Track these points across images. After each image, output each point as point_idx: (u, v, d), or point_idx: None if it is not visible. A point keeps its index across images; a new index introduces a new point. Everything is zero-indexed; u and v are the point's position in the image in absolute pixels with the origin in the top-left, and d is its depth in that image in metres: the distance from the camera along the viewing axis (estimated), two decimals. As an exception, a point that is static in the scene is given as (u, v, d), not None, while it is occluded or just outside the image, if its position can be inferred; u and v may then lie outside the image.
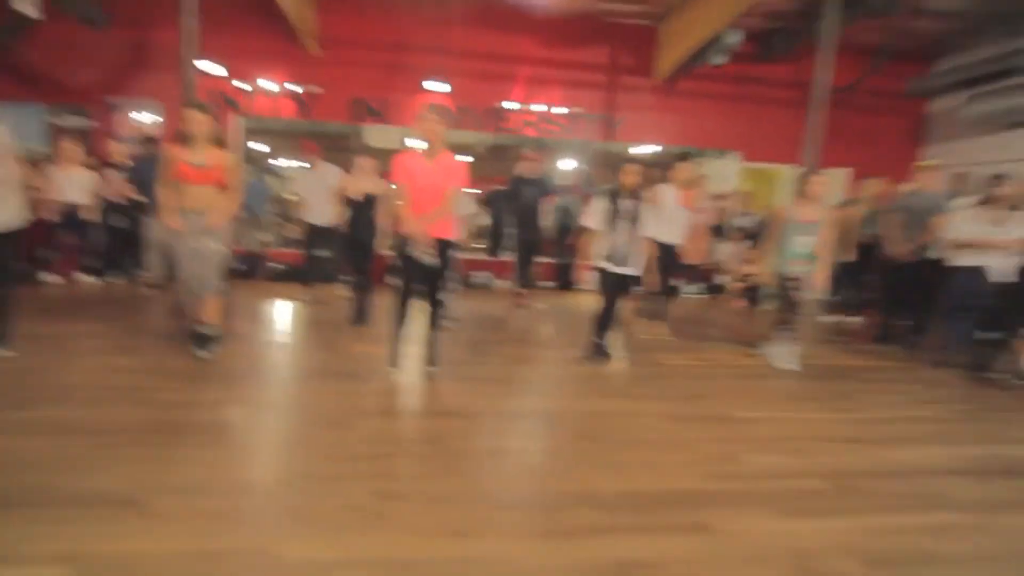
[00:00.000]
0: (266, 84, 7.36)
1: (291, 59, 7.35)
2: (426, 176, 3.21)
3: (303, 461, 2.30)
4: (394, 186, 3.28)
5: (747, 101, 8.56)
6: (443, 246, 3.30)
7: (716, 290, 8.29)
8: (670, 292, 5.80)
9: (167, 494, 1.94)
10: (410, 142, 4.73)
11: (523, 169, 6.01)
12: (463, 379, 3.46)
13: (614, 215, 3.82)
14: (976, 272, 4.31)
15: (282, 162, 9.98)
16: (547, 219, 6.34)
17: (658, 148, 8.52)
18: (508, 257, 6.37)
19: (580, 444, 2.61)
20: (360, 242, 4.73)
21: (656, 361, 4.24)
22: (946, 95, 8.74)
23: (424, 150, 3.25)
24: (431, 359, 3.42)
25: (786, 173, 8.66)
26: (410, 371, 3.38)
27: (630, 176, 3.82)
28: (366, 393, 3.12)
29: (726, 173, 8.90)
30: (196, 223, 3.38)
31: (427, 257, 3.21)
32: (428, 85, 7.42)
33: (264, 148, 9.58)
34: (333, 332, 4.51)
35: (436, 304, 3.41)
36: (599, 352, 4.04)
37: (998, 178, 4.33)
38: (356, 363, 3.66)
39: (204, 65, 6.72)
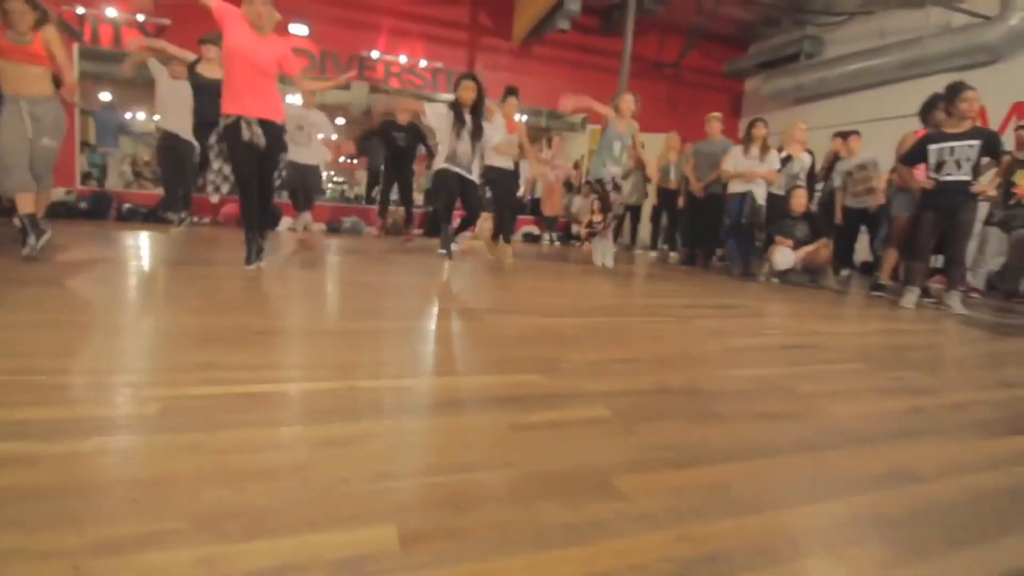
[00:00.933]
0: (107, 11, 6.98)
1: (135, -13, 7.02)
2: (254, 48, 3.10)
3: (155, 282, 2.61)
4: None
5: (592, 69, 9.55)
6: (272, 130, 3.26)
7: (571, 238, 9.25)
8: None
9: (24, 304, 2.20)
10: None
11: (397, 116, 6.47)
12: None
13: (456, 124, 4.16)
14: (743, 197, 5.48)
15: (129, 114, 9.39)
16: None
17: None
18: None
19: (396, 293, 3.16)
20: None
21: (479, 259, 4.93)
22: (754, 76, 10.43)
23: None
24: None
25: (628, 136, 9.89)
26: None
27: (467, 91, 4.21)
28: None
29: (579, 138, 9.94)
30: (27, 111, 3.14)
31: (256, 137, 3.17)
32: (290, 28, 7.47)
33: (107, 96, 8.99)
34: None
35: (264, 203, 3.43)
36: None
37: (752, 122, 5.50)
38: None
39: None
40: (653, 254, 8.12)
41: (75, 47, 7.00)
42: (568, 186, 9.49)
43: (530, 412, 1.37)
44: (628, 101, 5.00)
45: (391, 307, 2.68)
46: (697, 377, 1.81)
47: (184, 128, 5.33)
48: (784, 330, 2.84)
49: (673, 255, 7.75)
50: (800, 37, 9.09)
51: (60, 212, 6.71)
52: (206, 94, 4.60)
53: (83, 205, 7.10)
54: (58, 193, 6.88)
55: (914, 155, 4.33)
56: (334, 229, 8.01)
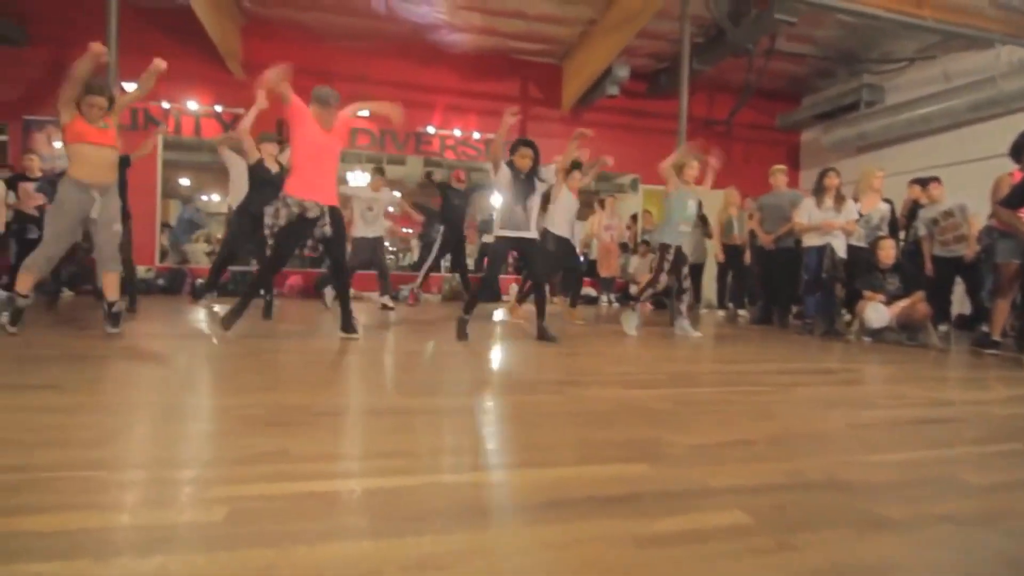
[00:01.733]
0: (189, 105, 7.58)
1: (215, 82, 7.64)
2: (325, 141, 3.49)
3: (216, 363, 2.54)
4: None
5: (641, 131, 9.58)
6: (336, 214, 3.54)
7: (628, 299, 8.98)
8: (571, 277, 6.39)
9: (83, 382, 2.16)
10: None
11: (453, 181, 6.82)
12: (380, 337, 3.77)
13: (514, 187, 4.04)
14: (821, 251, 5.13)
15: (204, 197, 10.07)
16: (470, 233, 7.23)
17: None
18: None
19: (474, 361, 2.98)
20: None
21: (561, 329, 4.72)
22: (810, 127, 10.19)
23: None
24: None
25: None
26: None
27: (524, 159, 4.11)
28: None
29: (633, 198, 9.88)
30: (98, 200, 3.28)
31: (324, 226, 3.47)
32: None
33: (185, 181, 9.72)
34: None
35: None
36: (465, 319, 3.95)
37: (824, 172, 5.22)
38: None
39: (127, 86, 6.89)
40: (721, 313, 7.72)
41: (159, 137, 7.59)
42: (623, 246, 9.33)
43: (651, 518, 1.13)
44: (695, 168, 4.81)
45: (461, 380, 2.51)
46: (835, 465, 1.51)
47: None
48: (907, 400, 2.47)
49: (743, 313, 7.34)
50: (858, 86, 8.86)
51: (140, 288, 7.04)
52: (268, 187, 4.77)
53: (160, 282, 7.47)
54: (138, 271, 7.26)
55: (1017, 197, 3.95)
56: (392, 297, 8.05)
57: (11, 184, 6.24)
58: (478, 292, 4.01)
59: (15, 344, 2.97)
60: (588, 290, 9.08)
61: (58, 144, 7.28)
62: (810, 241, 5.22)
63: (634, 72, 8.50)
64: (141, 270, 7.36)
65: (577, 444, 1.61)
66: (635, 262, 9.24)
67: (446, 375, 2.64)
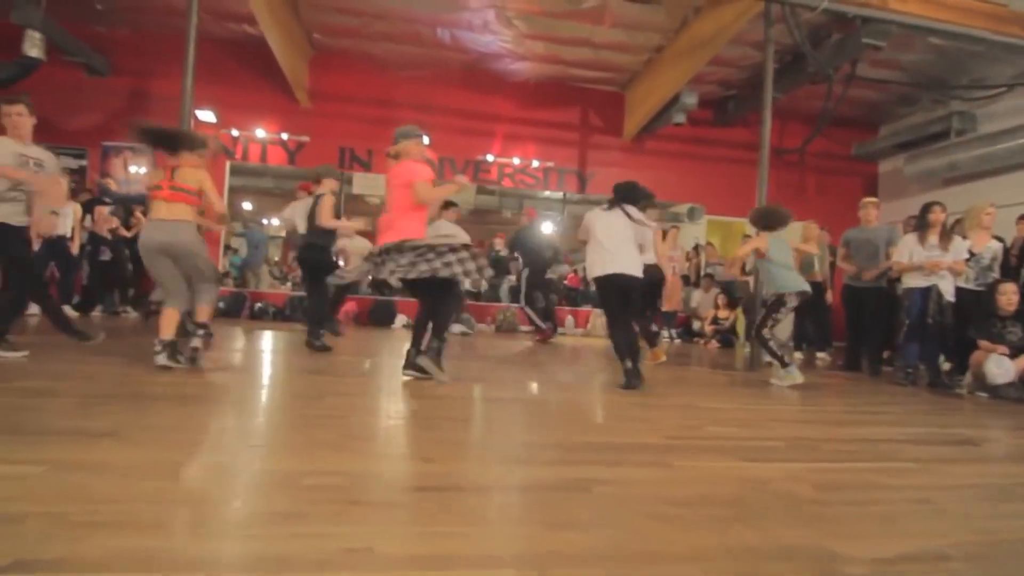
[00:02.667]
0: (257, 132, 7.74)
1: (281, 110, 7.78)
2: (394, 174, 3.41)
3: (278, 414, 2.33)
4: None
5: (707, 160, 9.19)
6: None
7: (692, 335, 8.51)
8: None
9: (143, 430, 1.97)
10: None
11: (523, 220, 6.86)
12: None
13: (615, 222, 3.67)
14: (927, 292, 4.61)
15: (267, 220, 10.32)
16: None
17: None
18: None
19: (544, 418, 2.68)
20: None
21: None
22: (890, 157, 9.56)
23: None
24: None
25: (748, 226, 9.26)
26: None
27: None
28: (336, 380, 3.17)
29: (695, 227, 9.45)
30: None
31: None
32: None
33: (248, 206, 10.00)
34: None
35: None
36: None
37: (928, 206, 4.73)
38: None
39: (200, 113, 7.09)
40: (798, 355, 7.12)
41: (227, 164, 7.77)
42: (684, 279, 8.90)
43: None
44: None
45: (540, 444, 2.20)
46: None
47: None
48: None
49: (822, 356, 6.76)
50: (947, 114, 8.25)
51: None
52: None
53: (221, 305, 7.52)
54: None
55: None
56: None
57: (88, 207, 6.45)
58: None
59: (81, 376, 2.87)
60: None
61: (133, 169, 7.56)
62: (913, 282, 4.71)
63: (700, 100, 8.18)
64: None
65: (718, 555, 1.28)
66: (697, 296, 8.77)
67: (528, 435, 2.34)
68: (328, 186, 4.58)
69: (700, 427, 2.62)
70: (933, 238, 4.67)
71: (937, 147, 8.36)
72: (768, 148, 5.55)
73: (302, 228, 4.80)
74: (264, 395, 2.82)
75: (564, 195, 9.02)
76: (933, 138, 8.52)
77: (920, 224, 4.77)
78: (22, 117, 3.26)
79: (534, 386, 3.59)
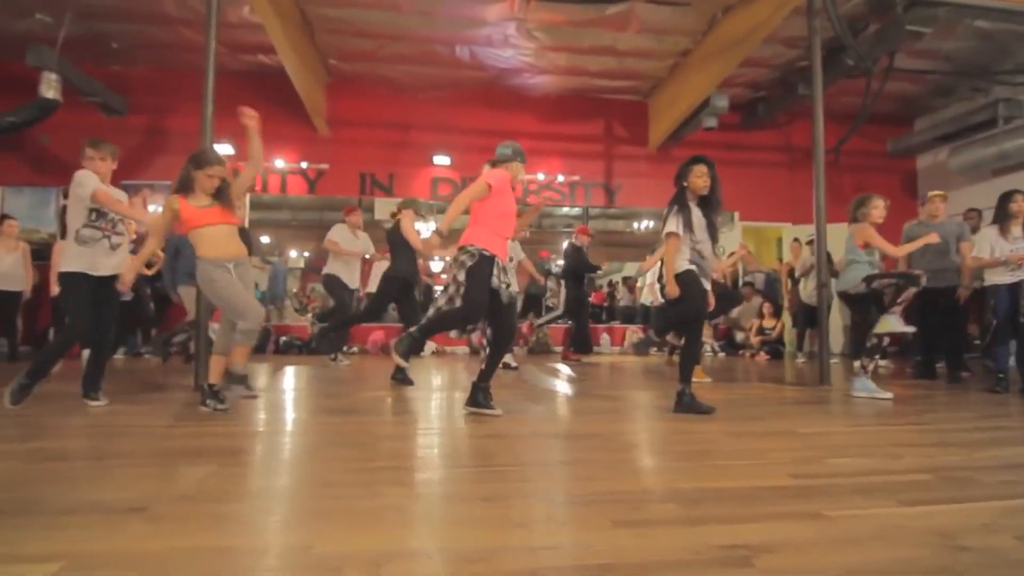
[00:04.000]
0: (276, 163, 7.57)
1: (300, 139, 7.63)
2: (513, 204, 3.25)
3: (324, 471, 1.99)
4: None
5: (738, 165, 8.85)
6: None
7: (735, 347, 8.07)
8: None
9: (174, 502, 1.64)
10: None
11: (577, 240, 6.59)
12: (510, 410, 3.18)
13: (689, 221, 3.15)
14: (1016, 288, 4.20)
15: (292, 253, 10.17)
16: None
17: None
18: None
19: (637, 454, 2.31)
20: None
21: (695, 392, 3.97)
22: (929, 151, 9.15)
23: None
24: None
25: (786, 231, 8.86)
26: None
27: (700, 178, 3.16)
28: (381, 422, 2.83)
29: (730, 235, 9.05)
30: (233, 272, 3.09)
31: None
32: (434, 159, 7.68)
33: (266, 239, 9.82)
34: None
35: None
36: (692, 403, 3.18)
37: (1008, 195, 4.33)
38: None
39: (220, 147, 6.94)
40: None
41: (247, 198, 7.60)
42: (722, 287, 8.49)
43: None
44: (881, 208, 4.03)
45: (660, 485, 1.83)
46: None
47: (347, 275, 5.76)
48: None
49: (884, 364, 6.29)
50: (992, 102, 7.85)
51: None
52: (406, 250, 4.68)
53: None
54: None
55: None
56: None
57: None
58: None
59: (99, 431, 2.56)
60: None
61: (152, 207, 7.40)
62: (998, 278, 4.29)
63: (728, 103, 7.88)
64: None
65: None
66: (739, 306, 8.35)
67: (630, 483, 1.97)
68: (408, 217, 4.68)
69: (820, 459, 2.23)
70: (1016, 229, 4.27)
71: (983, 136, 7.95)
72: (822, 147, 5.15)
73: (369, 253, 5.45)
74: (313, 446, 2.49)
75: (586, 209, 8.72)
76: (975, 128, 8.12)
77: (1000, 215, 4.37)
78: (105, 162, 3.30)
79: (606, 416, 3.22)
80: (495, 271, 2.98)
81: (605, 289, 11.35)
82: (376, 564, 1.24)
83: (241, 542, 1.39)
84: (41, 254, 6.35)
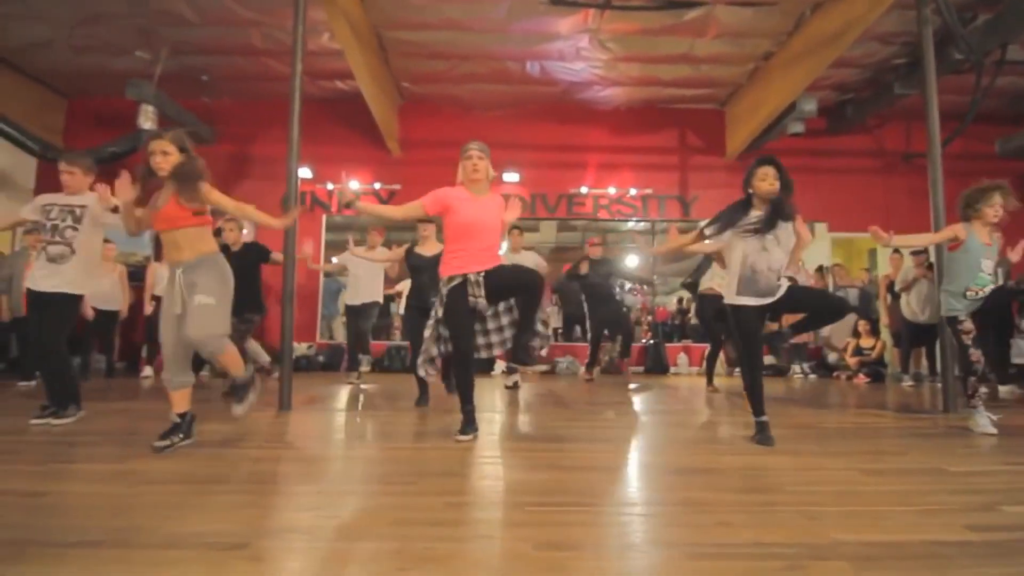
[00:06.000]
0: (351, 184, 7.73)
1: (373, 161, 7.78)
2: (482, 215, 2.94)
3: (409, 506, 1.84)
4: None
5: (824, 172, 8.29)
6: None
7: (828, 368, 7.45)
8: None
9: (278, 536, 1.53)
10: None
11: (588, 252, 6.08)
12: (605, 438, 2.95)
13: (751, 231, 2.80)
14: None
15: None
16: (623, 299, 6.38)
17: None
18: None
19: (768, 497, 2.02)
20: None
21: (799, 421, 3.59)
22: (1046, 151, 8.23)
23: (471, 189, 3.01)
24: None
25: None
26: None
27: (765, 182, 2.80)
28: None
29: (817, 246, 8.45)
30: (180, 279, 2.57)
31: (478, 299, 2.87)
32: (504, 176, 7.62)
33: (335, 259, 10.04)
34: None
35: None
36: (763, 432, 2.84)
37: None
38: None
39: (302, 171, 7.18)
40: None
41: (323, 218, 7.81)
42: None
43: None
44: (997, 201, 3.28)
45: (796, 539, 1.55)
46: None
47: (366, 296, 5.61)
48: None
49: (1004, 388, 5.57)
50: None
51: (302, 365, 7.04)
52: (424, 273, 4.32)
53: (321, 358, 7.42)
54: (300, 348, 7.26)
55: None
56: (548, 370, 7.35)
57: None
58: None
59: (187, 454, 2.54)
60: (768, 359, 7.70)
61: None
62: None
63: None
64: (303, 347, 7.35)
65: None
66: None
67: (758, 533, 1.70)
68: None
69: (992, 506, 1.87)
70: None
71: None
72: (939, 147, 4.68)
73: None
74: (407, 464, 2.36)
75: (653, 224, 8.39)
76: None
77: None
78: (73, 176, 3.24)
79: (710, 447, 2.94)
80: (469, 290, 2.85)
81: (672, 306, 10.82)
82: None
83: (351, 591, 1.24)
84: (136, 275, 6.70)
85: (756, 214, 2.86)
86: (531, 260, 5.73)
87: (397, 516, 1.73)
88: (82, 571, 1.30)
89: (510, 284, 2.93)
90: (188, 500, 1.86)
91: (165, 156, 2.54)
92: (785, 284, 2.89)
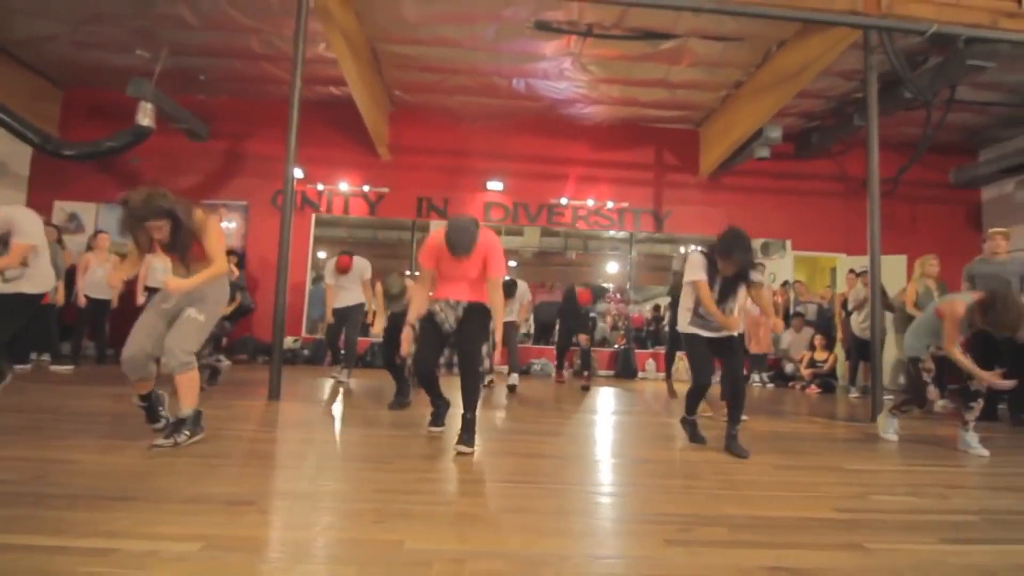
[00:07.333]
0: (340, 186, 8.05)
1: (363, 164, 8.09)
2: (463, 269, 2.90)
3: (387, 480, 2.21)
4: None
5: (789, 194, 8.81)
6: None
7: (785, 378, 7.95)
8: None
9: (280, 499, 1.90)
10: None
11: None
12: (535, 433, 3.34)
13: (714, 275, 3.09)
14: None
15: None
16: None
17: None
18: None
19: (689, 483, 2.43)
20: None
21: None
22: (995, 182, 8.84)
23: None
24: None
25: (840, 261, 8.71)
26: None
27: (727, 270, 3.03)
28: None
29: (781, 263, 8.98)
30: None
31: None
32: (488, 185, 8.01)
33: (322, 255, 10.31)
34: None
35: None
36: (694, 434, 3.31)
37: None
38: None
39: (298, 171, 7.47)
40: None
41: (312, 216, 8.10)
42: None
43: None
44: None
45: (709, 512, 1.96)
46: None
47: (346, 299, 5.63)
48: None
49: (940, 402, 6.09)
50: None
51: (288, 358, 7.32)
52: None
53: (306, 352, 7.73)
54: (286, 341, 7.53)
55: None
56: (523, 372, 7.72)
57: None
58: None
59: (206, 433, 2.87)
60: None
61: (225, 224, 7.98)
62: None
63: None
64: (288, 340, 7.62)
65: None
66: (788, 336, 8.21)
67: (679, 506, 2.10)
68: None
69: (866, 495, 2.30)
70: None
71: (1053, 170, 7.66)
72: (876, 180, 5.17)
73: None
74: (391, 445, 2.72)
75: (631, 235, 8.82)
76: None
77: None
78: None
79: (649, 443, 3.35)
80: (436, 310, 2.92)
81: (648, 313, 11.27)
82: (460, 561, 1.44)
83: (344, 535, 1.61)
84: (129, 266, 6.93)
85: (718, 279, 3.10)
86: (521, 288, 6.11)
87: (377, 487, 2.10)
88: (126, 516, 1.65)
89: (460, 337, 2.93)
90: (201, 470, 2.21)
91: (160, 230, 2.61)
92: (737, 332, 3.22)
